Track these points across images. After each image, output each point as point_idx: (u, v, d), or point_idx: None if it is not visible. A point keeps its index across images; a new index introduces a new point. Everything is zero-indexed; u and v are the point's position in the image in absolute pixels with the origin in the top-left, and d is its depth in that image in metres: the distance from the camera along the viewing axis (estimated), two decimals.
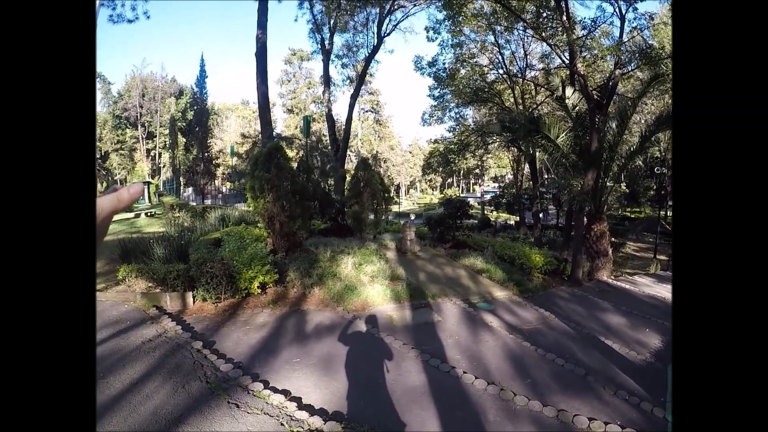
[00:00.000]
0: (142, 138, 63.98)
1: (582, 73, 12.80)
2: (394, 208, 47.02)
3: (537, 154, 27.81)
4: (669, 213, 36.07)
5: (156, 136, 62.43)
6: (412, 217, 35.05)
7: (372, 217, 14.75)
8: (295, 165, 17.42)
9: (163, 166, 61.56)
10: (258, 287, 8.09)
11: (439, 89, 29.11)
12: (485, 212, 43.13)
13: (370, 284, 9.22)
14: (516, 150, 31.85)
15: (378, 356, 6.14)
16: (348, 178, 17.56)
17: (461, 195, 67.21)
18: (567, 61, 13.61)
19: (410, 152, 69.37)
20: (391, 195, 16.93)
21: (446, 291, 9.69)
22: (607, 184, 13.58)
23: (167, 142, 58.68)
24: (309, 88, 49.69)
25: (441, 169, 32.50)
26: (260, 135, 19.21)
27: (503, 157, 43.76)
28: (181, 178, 55.53)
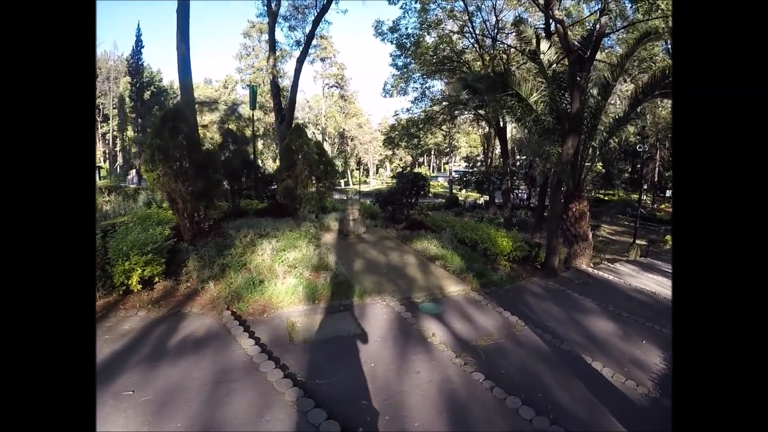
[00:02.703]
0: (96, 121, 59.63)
1: (560, 18, 10.45)
2: (362, 188, 44.62)
3: (508, 127, 25.79)
4: (644, 196, 34.62)
5: (110, 119, 58.24)
6: None
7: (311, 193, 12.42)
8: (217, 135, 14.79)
9: (120, 150, 57.54)
10: (139, 282, 6.33)
11: (402, 57, 26.50)
12: (453, 191, 41.20)
13: (285, 276, 7.11)
14: (486, 125, 29.70)
15: (237, 399, 3.82)
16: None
17: (432, 174, 65.34)
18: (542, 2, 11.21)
19: (379, 131, 66.65)
20: (336, 167, 14.50)
21: (384, 285, 7.39)
22: (589, 154, 11.40)
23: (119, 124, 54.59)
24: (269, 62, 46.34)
25: (404, 144, 29.86)
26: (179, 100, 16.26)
27: (472, 133, 41.64)
28: (134, 161, 51.60)
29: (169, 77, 65.16)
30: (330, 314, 6.12)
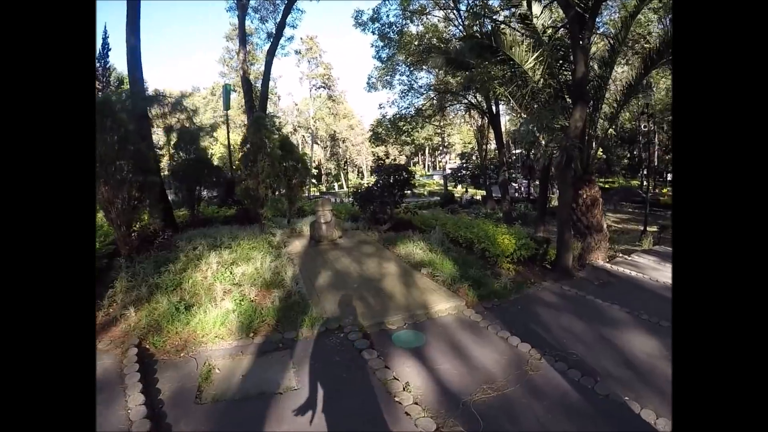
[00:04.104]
0: None
1: None
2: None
3: (503, 119, 24.06)
4: (644, 182, 33.03)
5: None
6: None
7: (273, 195, 10.76)
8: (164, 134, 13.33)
9: None
10: None
11: (385, 49, 24.80)
12: (448, 187, 39.47)
13: (224, 298, 5.72)
14: (478, 116, 27.97)
15: None
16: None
17: (428, 172, 63.68)
18: None
19: (372, 131, 64.95)
20: (309, 167, 12.80)
21: (349, 307, 5.68)
22: (598, 129, 9.62)
23: None
24: (253, 65, 44.80)
25: (392, 139, 28.02)
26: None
27: (464, 126, 39.89)
28: None
29: (158, 83, 63.58)
30: (264, 354, 4.43)
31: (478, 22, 14.36)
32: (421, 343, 4.66)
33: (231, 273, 6.56)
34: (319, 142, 58.29)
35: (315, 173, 56.40)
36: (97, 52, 34.21)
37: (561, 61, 9.73)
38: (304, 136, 56.13)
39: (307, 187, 43.45)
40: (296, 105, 57.29)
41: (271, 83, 49.39)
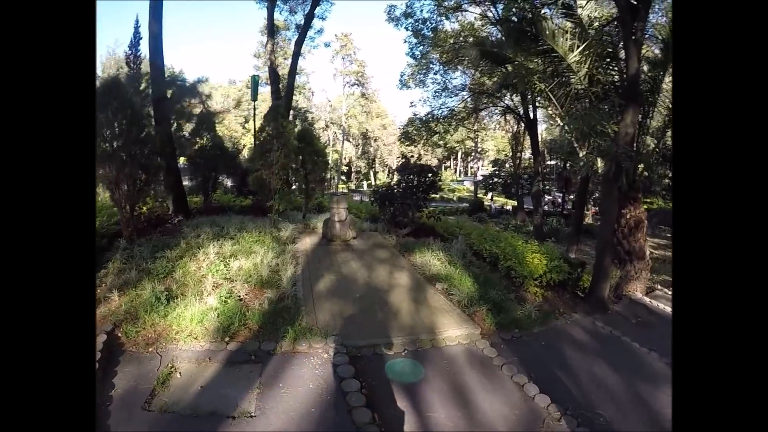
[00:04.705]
0: None
1: None
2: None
3: (539, 127, 22.83)
4: None
5: None
6: None
7: (288, 187, 10.08)
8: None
9: None
10: None
11: (421, 46, 23.97)
12: (478, 195, 38.34)
13: (211, 293, 5.32)
14: (514, 122, 26.85)
15: None
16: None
17: (459, 177, 62.49)
18: None
19: None
20: (328, 161, 12.07)
21: (345, 320, 4.98)
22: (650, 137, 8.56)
23: None
24: (285, 59, 44.94)
25: (423, 140, 27.04)
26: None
27: (499, 131, 38.69)
28: None
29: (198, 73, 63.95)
30: (232, 366, 3.88)
31: (515, 8, 13.22)
32: (417, 378, 3.84)
33: (226, 266, 6.19)
34: (350, 140, 57.89)
35: (345, 170, 56.09)
36: (129, 41, 34.26)
37: (608, 59, 8.71)
38: (336, 133, 55.84)
39: (336, 182, 42.69)
40: (329, 101, 57.06)
41: (305, 78, 49.13)
